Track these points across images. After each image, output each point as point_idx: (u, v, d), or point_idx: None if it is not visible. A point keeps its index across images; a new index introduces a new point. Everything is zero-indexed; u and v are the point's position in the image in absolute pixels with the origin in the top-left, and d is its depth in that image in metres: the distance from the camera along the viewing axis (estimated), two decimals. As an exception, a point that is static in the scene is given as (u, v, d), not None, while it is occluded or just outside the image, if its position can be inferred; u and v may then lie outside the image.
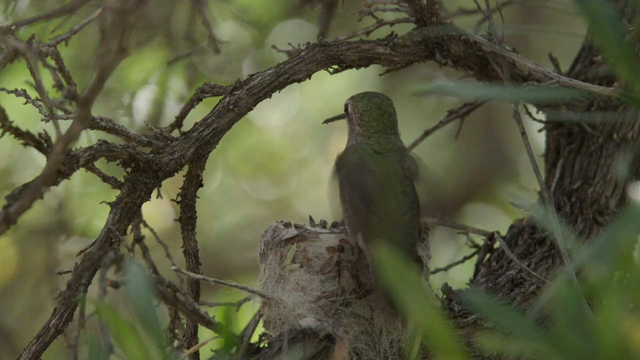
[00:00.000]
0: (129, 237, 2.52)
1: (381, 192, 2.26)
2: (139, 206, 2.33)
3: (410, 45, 2.45)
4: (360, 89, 2.89)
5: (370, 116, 2.37)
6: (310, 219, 2.41)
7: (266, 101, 2.42)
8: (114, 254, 1.96)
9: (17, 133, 2.04)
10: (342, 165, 2.32)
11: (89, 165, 2.25)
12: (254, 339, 2.33)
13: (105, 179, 2.31)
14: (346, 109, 2.41)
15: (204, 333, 2.21)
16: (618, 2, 2.59)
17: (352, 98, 2.41)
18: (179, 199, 2.40)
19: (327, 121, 2.48)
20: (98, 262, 2.00)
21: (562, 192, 2.53)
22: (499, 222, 4.64)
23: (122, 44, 1.77)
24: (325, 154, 5.04)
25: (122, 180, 2.31)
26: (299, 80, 2.42)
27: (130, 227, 2.37)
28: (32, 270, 4.50)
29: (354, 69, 2.46)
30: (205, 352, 2.33)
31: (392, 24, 2.52)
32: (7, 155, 4.51)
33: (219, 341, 2.09)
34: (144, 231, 2.58)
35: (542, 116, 2.60)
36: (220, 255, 4.93)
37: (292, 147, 5.18)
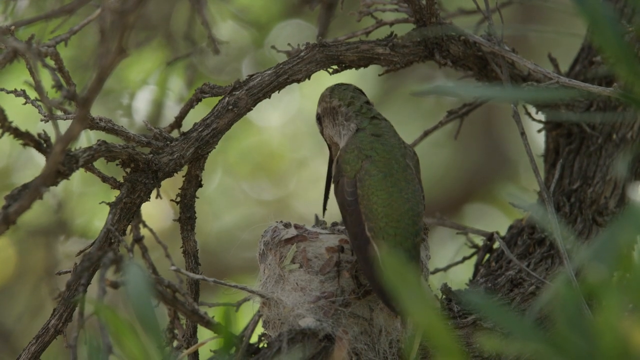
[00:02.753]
0: (129, 238, 2.52)
1: (383, 180, 2.26)
2: (139, 206, 2.33)
3: (410, 45, 2.45)
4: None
5: (349, 101, 2.38)
6: (316, 217, 2.42)
7: (265, 101, 2.42)
8: (113, 255, 1.96)
9: (17, 133, 2.03)
10: (341, 166, 2.33)
11: (88, 166, 2.25)
12: (254, 339, 2.33)
13: (104, 179, 2.31)
14: (319, 118, 2.42)
15: (203, 333, 2.21)
16: (617, 2, 2.59)
17: (322, 102, 2.40)
18: (179, 199, 2.40)
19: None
20: (97, 262, 2.00)
21: (562, 192, 2.53)
22: (499, 223, 4.64)
23: (122, 44, 1.76)
24: (325, 154, 5.03)
25: (122, 181, 2.31)
26: (298, 81, 2.42)
27: (129, 227, 2.37)
28: (32, 271, 4.49)
29: (354, 69, 2.46)
30: (204, 353, 2.33)
31: (391, 24, 2.52)
32: (6, 155, 4.51)
33: (218, 341, 2.09)
34: (144, 231, 2.58)
35: (541, 116, 2.60)
36: (219, 255, 4.93)
37: (292, 147, 5.18)
